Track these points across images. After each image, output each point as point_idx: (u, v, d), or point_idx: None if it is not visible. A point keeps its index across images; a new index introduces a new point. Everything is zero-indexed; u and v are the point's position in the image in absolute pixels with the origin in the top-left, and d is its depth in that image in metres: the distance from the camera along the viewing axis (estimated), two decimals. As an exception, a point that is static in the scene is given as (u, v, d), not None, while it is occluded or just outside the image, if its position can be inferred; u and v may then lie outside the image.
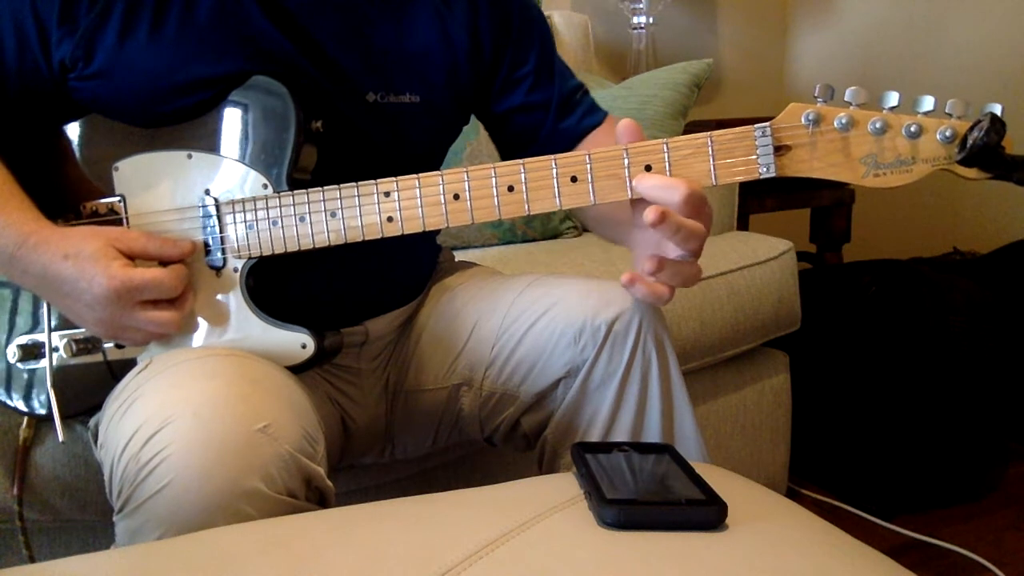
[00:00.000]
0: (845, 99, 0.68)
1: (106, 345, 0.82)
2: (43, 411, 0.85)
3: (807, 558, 0.54)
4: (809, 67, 2.72)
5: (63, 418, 0.82)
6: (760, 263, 1.44)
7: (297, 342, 0.79)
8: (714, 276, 1.38)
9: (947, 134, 0.65)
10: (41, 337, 0.83)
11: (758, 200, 1.95)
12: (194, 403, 0.66)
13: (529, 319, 0.87)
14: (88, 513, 0.95)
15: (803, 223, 2.14)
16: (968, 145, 0.64)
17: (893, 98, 0.66)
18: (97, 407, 0.82)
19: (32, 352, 0.83)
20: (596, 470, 0.62)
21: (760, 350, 1.52)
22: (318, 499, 0.71)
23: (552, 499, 0.60)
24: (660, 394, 0.83)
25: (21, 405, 0.86)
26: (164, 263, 0.78)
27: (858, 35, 2.56)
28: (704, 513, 0.56)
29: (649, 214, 0.67)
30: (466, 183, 0.75)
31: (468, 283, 0.98)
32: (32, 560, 0.92)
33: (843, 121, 0.67)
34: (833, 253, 2.11)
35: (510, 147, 1.00)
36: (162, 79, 0.81)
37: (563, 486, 0.62)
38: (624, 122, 0.74)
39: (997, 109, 0.65)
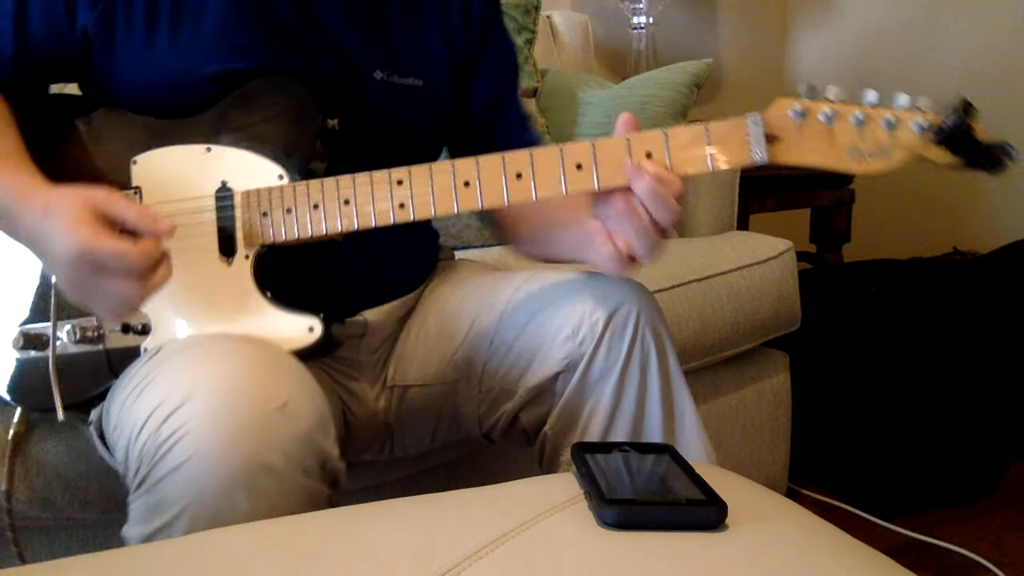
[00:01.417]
0: (828, 97, 0.73)
1: (108, 332, 0.82)
2: (37, 405, 0.85)
3: (807, 558, 0.54)
4: (809, 67, 2.72)
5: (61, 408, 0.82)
6: (760, 263, 1.44)
7: (304, 325, 0.81)
8: (714, 276, 1.38)
9: (921, 123, 0.70)
10: (43, 326, 0.83)
11: (758, 200, 1.95)
12: (212, 382, 0.67)
13: (527, 314, 0.88)
14: (89, 511, 0.95)
15: (803, 223, 2.14)
16: (942, 126, 0.69)
17: (872, 95, 0.72)
18: (94, 398, 0.82)
19: (34, 340, 0.83)
20: (596, 470, 0.62)
21: (760, 350, 1.52)
22: (331, 481, 0.72)
23: (552, 499, 0.60)
24: (660, 387, 0.83)
25: (16, 397, 0.86)
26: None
27: (858, 35, 2.56)
28: (704, 513, 0.56)
29: (628, 166, 0.74)
30: (476, 171, 0.78)
31: (467, 279, 0.98)
32: (21, 557, 0.91)
33: (827, 114, 0.72)
34: (833, 253, 2.11)
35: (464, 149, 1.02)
36: (178, 68, 0.84)
37: (563, 486, 0.62)
38: (623, 115, 0.77)
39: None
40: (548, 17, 2.03)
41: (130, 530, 0.69)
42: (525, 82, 1.74)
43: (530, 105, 1.74)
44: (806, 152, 0.73)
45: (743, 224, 1.83)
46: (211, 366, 0.69)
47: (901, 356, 1.59)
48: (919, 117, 0.70)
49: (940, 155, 0.70)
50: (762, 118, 0.74)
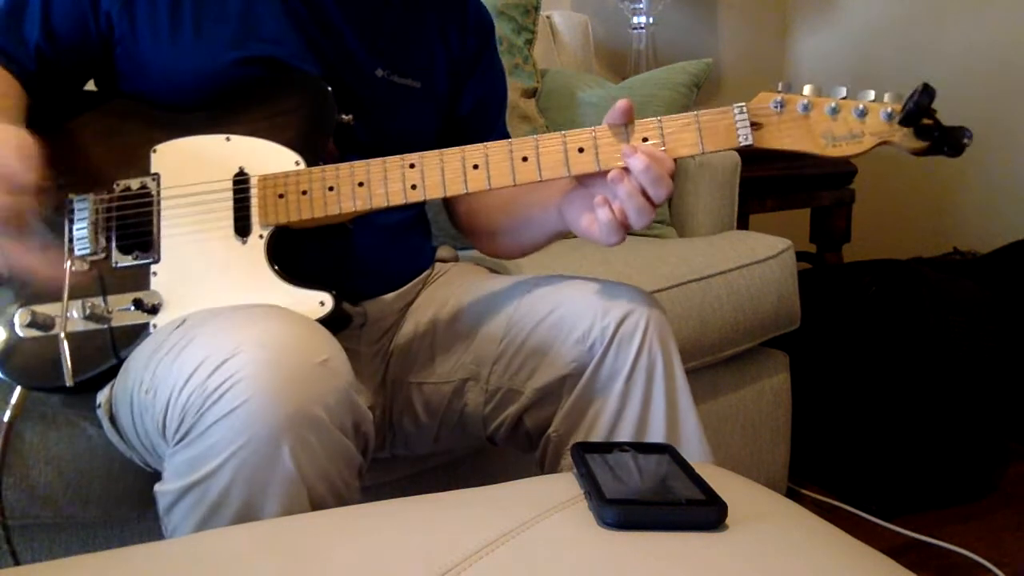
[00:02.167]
0: (803, 92, 0.82)
1: (116, 311, 0.83)
2: (40, 383, 0.86)
3: (807, 558, 0.54)
4: (809, 67, 2.72)
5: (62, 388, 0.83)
6: (759, 262, 1.44)
7: (315, 300, 0.83)
8: (713, 275, 1.38)
9: (888, 111, 0.78)
10: (50, 307, 0.83)
11: (758, 200, 1.94)
12: (259, 337, 0.69)
13: (538, 315, 0.88)
14: (90, 510, 0.95)
15: (803, 223, 2.14)
16: (905, 106, 0.76)
17: (842, 91, 0.81)
18: (96, 378, 0.84)
19: (41, 321, 0.83)
20: (596, 470, 0.62)
21: (760, 350, 1.52)
22: (363, 446, 0.74)
23: (552, 499, 0.60)
24: (664, 393, 0.84)
25: (17, 376, 0.86)
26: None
27: (858, 35, 2.56)
28: (704, 513, 0.56)
29: (626, 148, 0.80)
30: (485, 155, 0.83)
31: (474, 280, 0.99)
32: (13, 552, 0.90)
33: (804, 104, 0.81)
34: (833, 253, 2.11)
35: None
36: (202, 56, 0.88)
37: (563, 486, 0.63)
38: (622, 102, 0.81)
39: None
40: (548, 17, 2.03)
41: (165, 485, 0.70)
42: (525, 82, 1.74)
43: (530, 105, 1.74)
44: (786, 137, 0.81)
45: (743, 224, 1.83)
46: (254, 324, 0.72)
47: (901, 356, 1.59)
48: (887, 107, 0.78)
49: (907, 139, 0.78)
50: (747, 107, 0.81)
